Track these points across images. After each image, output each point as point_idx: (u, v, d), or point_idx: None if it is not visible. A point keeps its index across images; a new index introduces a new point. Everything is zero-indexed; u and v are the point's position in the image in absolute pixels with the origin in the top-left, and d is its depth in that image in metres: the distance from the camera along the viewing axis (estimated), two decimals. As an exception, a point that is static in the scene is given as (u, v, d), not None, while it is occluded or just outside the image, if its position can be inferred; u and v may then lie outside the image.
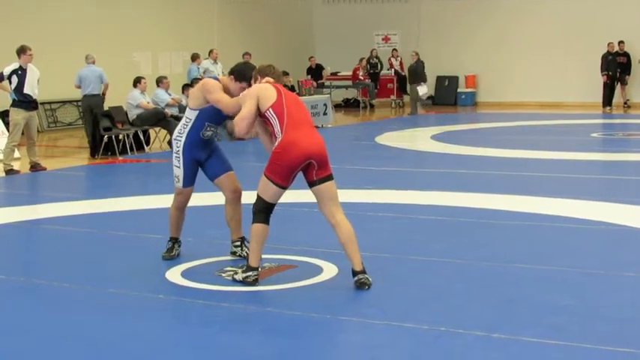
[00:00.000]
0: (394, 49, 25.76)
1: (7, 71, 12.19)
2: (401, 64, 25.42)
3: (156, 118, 14.89)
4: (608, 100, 22.46)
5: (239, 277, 6.05)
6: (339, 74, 25.47)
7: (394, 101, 25.22)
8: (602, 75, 22.31)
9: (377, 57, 25.35)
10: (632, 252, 6.99)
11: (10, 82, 12.17)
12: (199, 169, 6.71)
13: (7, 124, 13.34)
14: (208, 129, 6.54)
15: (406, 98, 25.26)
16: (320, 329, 5.18)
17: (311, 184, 5.91)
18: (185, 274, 6.35)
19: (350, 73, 24.91)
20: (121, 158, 14.05)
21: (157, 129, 15.56)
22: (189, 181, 6.64)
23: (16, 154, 13.03)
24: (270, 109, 5.91)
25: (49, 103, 19.00)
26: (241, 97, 6.11)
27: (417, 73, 22.21)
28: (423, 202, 9.30)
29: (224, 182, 6.67)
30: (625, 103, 22.92)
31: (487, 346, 4.77)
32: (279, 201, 5.99)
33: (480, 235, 7.68)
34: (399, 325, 5.10)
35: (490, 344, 4.79)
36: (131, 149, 14.56)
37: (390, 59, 25.35)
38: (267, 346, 4.87)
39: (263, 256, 6.15)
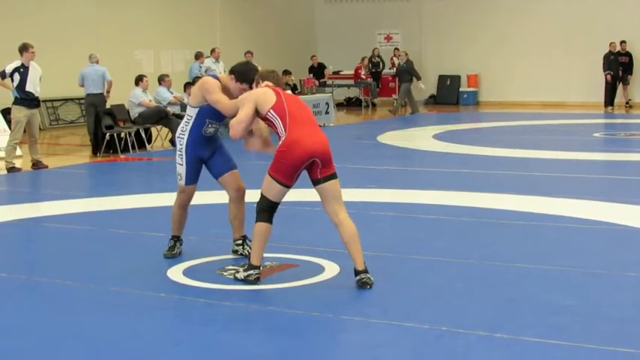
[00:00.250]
0: (396, 49, 25.74)
1: (9, 69, 12.19)
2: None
3: (158, 117, 14.89)
4: (610, 100, 22.44)
5: (240, 275, 6.04)
6: (341, 73, 25.45)
7: (396, 100, 25.19)
8: (606, 74, 22.29)
9: (379, 56, 25.34)
10: (634, 252, 6.98)
11: (13, 80, 12.17)
12: (203, 167, 6.70)
13: (9, 122, 13.35)
14: (210, 126, 6.53)
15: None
16: (321, 328, 5.17)
17: (315, 183, 5.91)
18: (187, 273, 6.35)
19: (352, 72, 24.90)
20: (122, 156, 14.04)
21: (159, 127, 15.56)
22: (192, 179, 6.63)
23: (18, 151, 13.03)
24: (271, 111, 5.92)
25: (51, 100, 19.00)
26: (239, 100, 6.12)
27: (408, 73, 22.13)
28: (424, 201, 9.29)
29: (228, 180, 6.67)
30: (627, 102, 22.90)
31: (489, 345, 4.76)
32: (282, 199, 5.99)
33: (482, 235, 7.67)
34: (401, 325, 5.10)
35: (492, 344, 4.78)
36: (133, 147, 14.56)
37: (392, 58, 25.33)
38: (268, 345, 4.87)
39: (265, 255, 6.15)
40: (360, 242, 5.89)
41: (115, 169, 13.01)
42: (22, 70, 12.16)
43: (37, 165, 12.47)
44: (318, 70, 24.45)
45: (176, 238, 6.86)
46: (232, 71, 6.41)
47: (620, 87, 22.81)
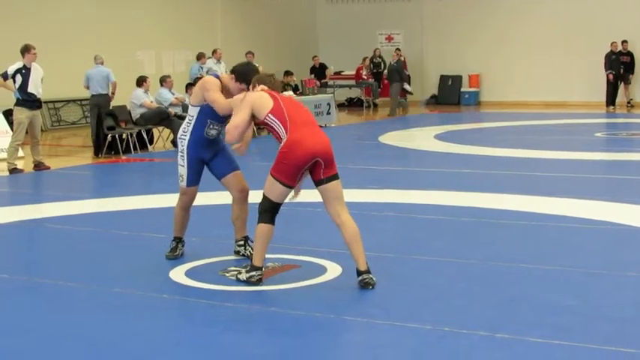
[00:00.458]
0: (397, 49, 25.72)
1: (11, 70, 12.20)
2: (404, 63, 25.40)
3: (159, 118, 14.92)
4: (611, 100, 22.45)
5: (243, 277, 6.05)
6: (342, 73, 25.46)
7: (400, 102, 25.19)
8: (607, 74, 22.29)
9: (380, 56, 25.35)
10: (635, 252, 6.99)
11: (14, 81, 12.18)
12: (205, 168, 6.71)
13: (10, 123, 13.36)
14: (212, 127, 6.53)
15: (409, 98, 25.28)
16: (324, 329, 5.18)
17: (318, 183, 5.92)
18: (189, 274, 6.36)
19: (353, 72, 24.92)
20: (124, 157, 14.06)
21: (161, 128, 15.57)
22: (194, 180, 6.64)
23: (20, 153, 13.04)
24: (270, 115, 5.92)
25: (53, 102, 19.02)
26: (233, 101, 6.15)
27: (398, 72, 22.11)
28: (426, 201, 9.30)
29: (231, 181, 6.68)
30: (628, 102, 22.90)
31: (491, 346, 4.77)
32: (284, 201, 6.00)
33: (483, 235, 7.68)
34: (403, 325, 5.11)
35: (494, 344, 4.79)
36: (135, 148, 14.58)
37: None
38: (270, 346, 4.88)
39: (267, 256, 6.16)
40: (362, 243, 5.90)
41: (116, 170, 13.03)
42: (24, 72, 12.17)
43: (38, 166, 12.48)
44: (319, 71, 24.46)
45: (178, 240, 6.87)
46: (233, 71, 6.44)
47: (621, 87, 22.81)
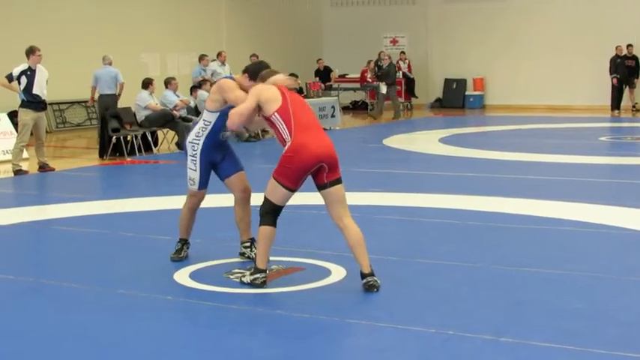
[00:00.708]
0: (402, 52, 25.77)
1: (16, 72, 12.22)
2: (409, 66, 25.42)
3: (164, 120, 14.93)
4: (616, 104, 22.42)
5: (247, 279, 6.05)
6: (347, 76, 25.45)
7: (402, 104, 25.20)
8: (612, 78, 22.27)
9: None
10: (641, 256, 6.97)
11: (19, 83, 12.20)
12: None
13: (15, 125, 13.38)
14: (227, 129, 6.50)
15: (413, 101, 25.28)
16: (328, 332, 5.17)
17: (321, 187, 5.91)
18: (193, 276, 6.36)
19: (358, 75, 24.90)
20: (129, 159, 14.08)
21: (165, 130, 15.58)
22: (205, 183, 6.65)
23: (25, 154, 13.06)
24: (276, 114, 5.91)
25: (58, 103, 19.04)
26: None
27: (389, 76, 22.11)
28: (430, 204, 9.28)
29: (234, 182, 6.68)
30: (633, 106, 22.87)
31: (495, 350, 4.76)
32: (288, 203, 5.99)
33: (488, 239, 7.67)
34: (407, 329, 5.10)
35: (498, 348, 4.78)
36: (139, 150, 14.59)
37: (398, 62, 25.33)
38: (274, 349, 4.88)
39: (271, 259, 6.16)
40: (366, 246, 5.89)
41: (121, 171, 13.04)
42: (29, 73, 12.19)
43: (43, 168, 12.49)
44: (324, 74, 24.45)
45: (184, 241, 6.87)
46: (246, 70, 6.43)
47: (626, 90, 22.79)
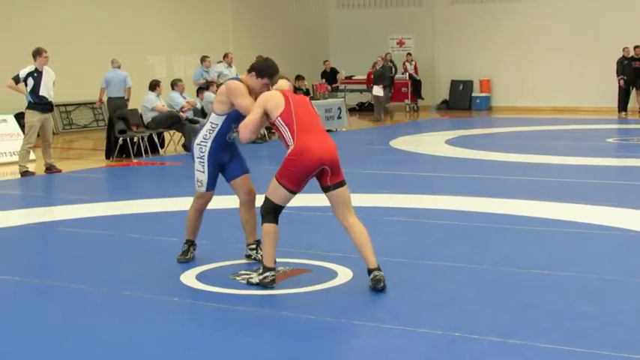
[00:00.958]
0: (408, 54, 25.75)
1: (22, 74, 12.25)
2: (415, 68, 25.40)
3: (170, 121, 14.94)
4: (623, 106, 22.36)
5: (255, 280, 6.04)
6: (353, 78, 25.46)
7: (408, 105, 25.20)
8: (619, 80, 22.21)
9: (391, 61, 25.28)
10: (649, 258, 6.94)
11: (26, 85, 12.23)
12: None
13: (22, 126, 13.41)
14: (234, 130, 6.49)
15: (420, 103, 25.27)
16: (334, 333, 5.17)
17: (325, 190, 5.93)
18: (200, 277, 6.36)
19: (364, 76, 24.89)
20: (135, 161, 14.09)
21: (172, 132, 15.60)
22: (213, 185, 6.65)
23: (32, 156, 13.10)
24: (279, 119, 5.93)
25: (65, 105, 19.08)
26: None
27: (383, 78, 22.06)
28: (437, 206, 9.27)
29: (239, 184, 6.67)
30: (641, 108, 22.81)
31: (502, 352, 4.74)
32: (293, 205, 5.99)
33: (495, 240, 7.65)
34: (414, 330, 5.09)
35: (505, 350, 4.76)
36: (146, 152, 14.61)
37: (404, 63, 25.34)
38: (281, 350, 4.87)
39: (278, 260, 6.15)
40: (372, 243, 5.88)
41: (128, 173, 13.06)
42: (36, 75, 12.22)
43: (50, 169, 12.52)
44: (330, 75, 24.46)
45: (190, 243, 6.87)
46: (252, 69, 6.41)
47: (633, 92, 22.72)
